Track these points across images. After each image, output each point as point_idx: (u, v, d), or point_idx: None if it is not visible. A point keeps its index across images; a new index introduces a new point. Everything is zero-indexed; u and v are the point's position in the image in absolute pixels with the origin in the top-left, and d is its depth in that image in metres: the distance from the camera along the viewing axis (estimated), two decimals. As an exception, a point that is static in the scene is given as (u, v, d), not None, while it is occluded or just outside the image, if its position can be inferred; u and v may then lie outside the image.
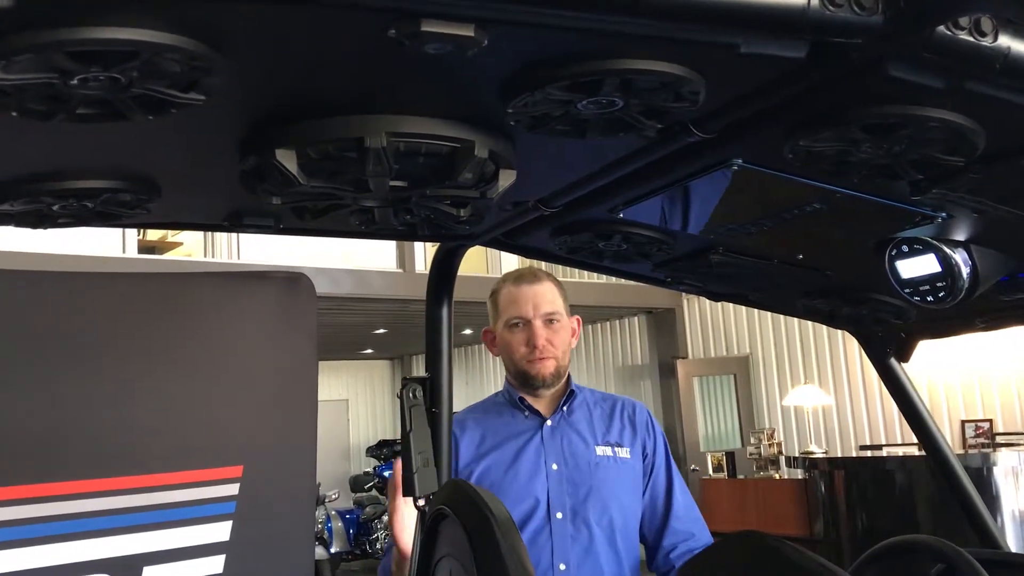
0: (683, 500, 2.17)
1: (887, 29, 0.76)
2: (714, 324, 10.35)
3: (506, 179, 1.05)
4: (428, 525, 1.38)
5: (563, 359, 2.14)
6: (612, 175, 1.20)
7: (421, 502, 1.62)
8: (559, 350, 2.12)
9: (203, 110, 0.85)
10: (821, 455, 7.80)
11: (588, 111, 0.91)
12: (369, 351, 14.88)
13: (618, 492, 2.10)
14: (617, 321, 11.54)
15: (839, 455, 8.22)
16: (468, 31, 0.73)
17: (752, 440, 8.63)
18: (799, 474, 7.82)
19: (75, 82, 0.74)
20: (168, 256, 9.39)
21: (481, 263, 10.13)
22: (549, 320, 2.11)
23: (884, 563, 1.77)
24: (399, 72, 0.86)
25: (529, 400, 2.18)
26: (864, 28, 0.76)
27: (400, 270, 8.98)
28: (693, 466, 9.59)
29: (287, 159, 0.94)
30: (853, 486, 6.87)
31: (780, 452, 8.47)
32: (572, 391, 2.19)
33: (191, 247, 9.52)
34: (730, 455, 8.69)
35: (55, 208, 1.10)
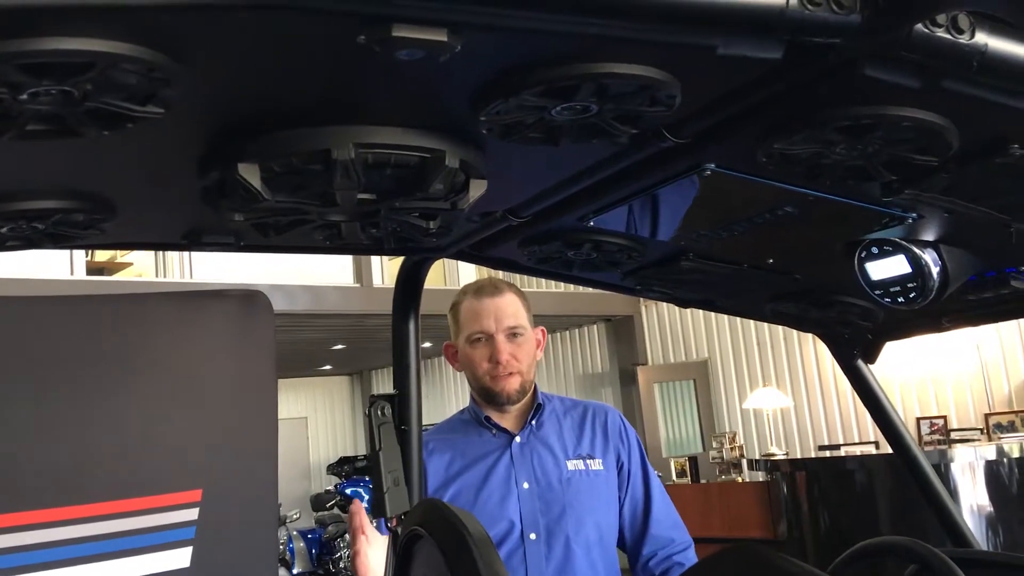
0: (662, 505, 2.14)
1: (865, 28, 0.75)
2: (672, 330, 10.42)
3: (477, 189, 1.03)
4: (402, 547, 1.35)
5: (528, 373, 2.08)
6: (583, 183, 1.18)
7: (392, 522, 1.58)
8: (524, 364, 2.06)
9: (161, 124, 0.82)
10: (782, 457, 7.86)
11: (562, 117, 0.88)
12: (328, 367, 14.74)
13: (593, 507, 2.06)
14: (576, 330, 11.56)
15: (799, 456, 8.30)
16: (441, 36, 0.70)
17: (714, 444, 8.68)
18: (761, 476, 7.89)
19: (25, 97, 0.70)
20: (118, 277, 9.20)
21: (439, 275, 10.10)
22: (513, 334, 2.05)
23: (858, 566, 1.77)
24: (368, 80, 0.83)
25: (495, 418, 2.12)
26: (842, 27, 0.75)
27: (357, 285, 8.90)
28: (657, 472, 9.62)
29: (250, 173, 0.90)
30: (815, 486, 6.93)
31: (742, 455, 8.53)
32: (539, 404, 2.14)
33: (142, 267, 9.35)
34: (693, 460, 8.73)
35: (3, 231, 1.05)
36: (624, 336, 10.82)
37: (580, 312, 10.35)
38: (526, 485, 2.04)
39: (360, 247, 1.30)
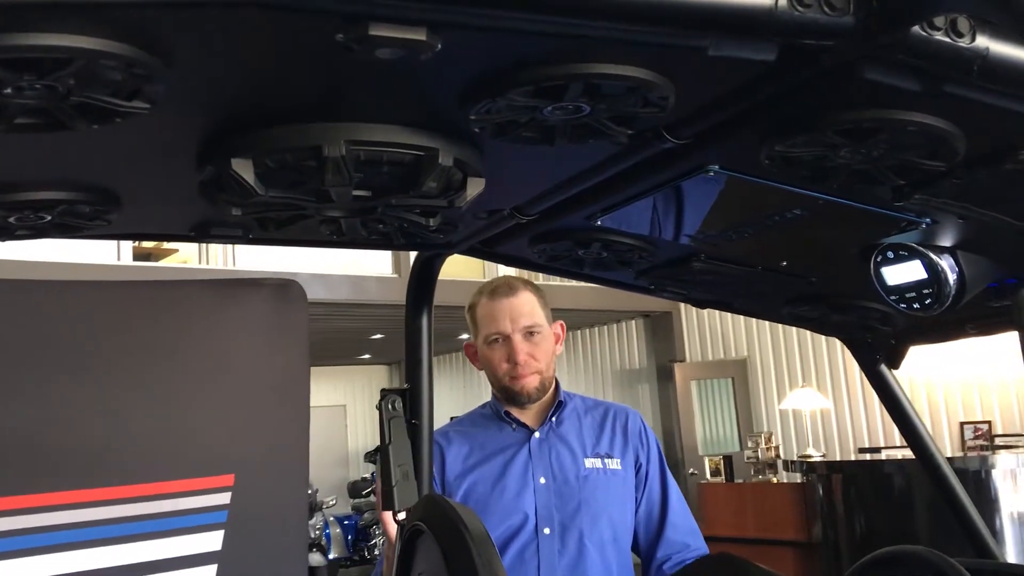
0: (679, 510, 2.13)
1: (859, 30, 0.73)
2: (712, 327, 10.31)
3: (474, 187, 1.02)
4: (405, 541, 1.36)
5: (547, 371, 2.09)
6: (588, 182, 1.18)
7: (401, 516, 1.59)
8: (542, 363, 2.07)
9: (156, 119, 0.82)
10: (819, 459, 7.76)
11: (554, 117, 0.88)
12: (367, 356, 14.84)
13: (608, 505, 2.05)
14: (615, 325, 11.50)
15: (838, 458, 8.18)
16: (419, 35, 0.70)
17: (749, 444, 8.58)
18: (797, 478, 7.79)
19: (9, 91, 0.71)
20: (163, 264, 9.35)
21: (477, 267, 10.10)
22: (529, 333, 2.05)
23: (874, 574, 1.74)
24: (356, 78, 0.83)
25: (515, 413, 2.12)
26: (835, 29, 0.74)
27: (396, 275, 8.94)
28: (692, 470, 9.56)
29: (243, 169, 0.91)
30: (851, 490, 6.82)
31: (777, 455, 8.43)
32: (561, 401, 2.14)
33: (187, 254, 9.49)
34: (727, 459, 8.64)
35: (11, 220, 1.07)
36: (662, 332, 10.74)
37: (618, 307, 10.28)
38: (543, 480, 2.05)
39: (368, 241, 1.31)
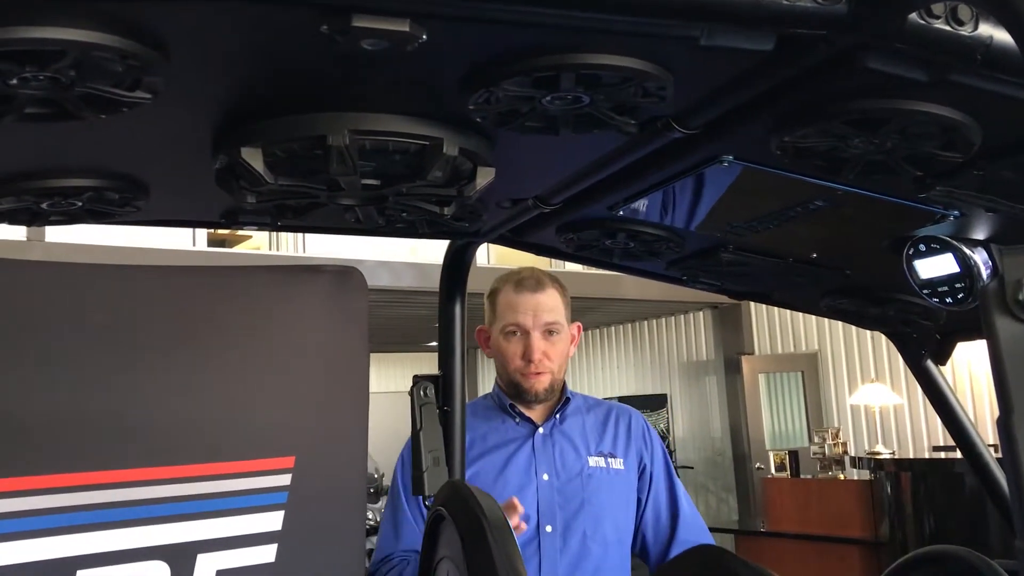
0: (689, 511, 2.10)
1: (853, 19, 0.72)
2: (781, 320, 10.11)
3: (484, 177, 1.03)
4: (428, 526, 1.37)
5: (559, 373, 2.06)
6: (604, 172, 1.18)
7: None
8: (555, 364, 2.04)
9: (168, 108, 0.85)
10: (888, 456, 7.57)
11: (555, 107, 0.88)
12: (434, 344, 14.91)
13: (612, 505, 2.03)
14: (682, 316, 11.37)
15: (910, 456, 7.96)
16: (403, 26, 0.71)
17: (816, 439, 8.42)
18: (866, 475, 7.61)
19: (15, 82, 0.74)
20: (236, 250, 9.55)
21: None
22: (549, 331, 2.03)
23: (913, 574, 1.70)
24: (359, 68, 0.84)
25: (520, 406, 2.10)
26: (828, 18, 0.72)
27: (461, 264, 8.94)
28: (758, 464, 9.42)
29: (253, 158, 0.93)
30: (920, 488, 6.65)
31: (845, 452, 8.24)
32: (567, 398, 2.11)
33: (259, 241, 9.68)
34: (793, 454, 8.48)
35: (44, 206, 1.12)
36: (731, 324, 10.58)
37: (686, 298, 10.16)
38: (546, 476, 2.02)
39: (395, 230, 1.33)
